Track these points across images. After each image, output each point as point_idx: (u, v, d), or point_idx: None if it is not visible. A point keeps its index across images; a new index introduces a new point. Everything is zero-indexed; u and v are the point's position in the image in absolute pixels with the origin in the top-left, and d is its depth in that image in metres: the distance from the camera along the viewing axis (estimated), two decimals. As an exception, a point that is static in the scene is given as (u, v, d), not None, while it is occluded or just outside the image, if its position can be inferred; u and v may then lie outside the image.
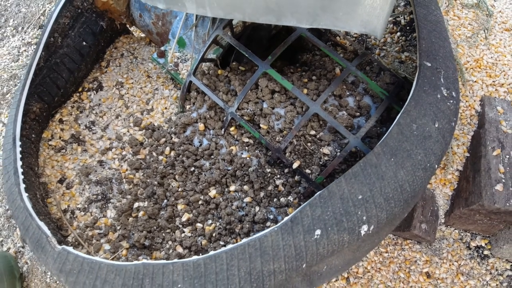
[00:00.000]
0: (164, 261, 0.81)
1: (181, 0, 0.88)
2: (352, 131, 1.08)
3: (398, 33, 1.42)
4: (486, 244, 1.43)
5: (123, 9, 1.46)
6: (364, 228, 0.83)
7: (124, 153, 1.29)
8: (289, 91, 1.06)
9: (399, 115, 0.88)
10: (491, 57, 1.53)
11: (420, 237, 1.36)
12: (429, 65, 0.97)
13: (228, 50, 1.28)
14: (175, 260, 0.81)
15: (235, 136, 1.16)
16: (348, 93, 1.12)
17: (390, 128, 0.86)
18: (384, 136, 0.85)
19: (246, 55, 1.07)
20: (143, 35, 1.65)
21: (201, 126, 1.19)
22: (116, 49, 1.59)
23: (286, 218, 0.80)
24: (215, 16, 0.88)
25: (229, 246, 0.80)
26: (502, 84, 1.45)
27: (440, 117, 0.92)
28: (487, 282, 1.40)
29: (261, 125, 1.10)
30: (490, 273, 1.41)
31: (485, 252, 1.43)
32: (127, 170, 1.25)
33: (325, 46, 1.07)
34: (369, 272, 1.42)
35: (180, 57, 1.34)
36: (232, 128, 1.16)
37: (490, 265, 1.41)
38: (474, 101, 1.43)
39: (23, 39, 2.48)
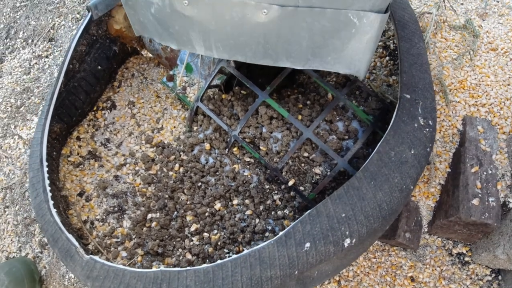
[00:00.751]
0: (179, 268, 0.95)
1: (191, 43, 1.02)
2: (341, 152, 1.21)
3: (387, 58, 1.55)
4: (467, 251, 1.56)
5: (135, 35, 1.59)
6: (347, 241, 0.96)
7: (137, 168, 1.43)
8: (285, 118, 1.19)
9: (379, 144, 1.01)
10: (475, 78, 1.65)
11: (405, 245, 1.49)
12: (409, 97, 1.11)
13: (231, 75, 1.41)
14: (188, 268, 0.95)
15: (238, 156, 1.30)
16: (338, 118, 1.26)
17: (371, 156, 1.00)
18: (365, 163, 0.99)
19: (248, 86, 1.20)
20: (152, 55, 1.79)
21: (207, 146, 1.33)
22: (127, 70, 1.73)
23: (280, 233, 0.94)
24: (221, 58, 1.01)
25: (233, 256, 0.94)
26: (484, 104, 1.58)
27: (416, 144, 1.05)
28: (467, 286, 1.53)
29: (260, 147, 1.24)
30: (471, 278, 1.54)
31: (466, 259, 1.56)
32: (140, 184, 1.39)
33: (317, 77, 1.20)
34: (358, 275, 1.56)
35: (187, 81, 1.47)
36: (235, 149, 1.30)
37: (470, 270, 1.55)
38: (457, 120, 1.56)
39: (33, 52, 2.60)
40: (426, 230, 1.57)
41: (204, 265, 0.95)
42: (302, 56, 0.96)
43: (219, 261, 0.96)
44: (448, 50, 1.76)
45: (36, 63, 2.50)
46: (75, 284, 1.63)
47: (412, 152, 1.04)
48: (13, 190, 1.89)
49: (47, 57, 2.51)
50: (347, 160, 1.12)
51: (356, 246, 1.11)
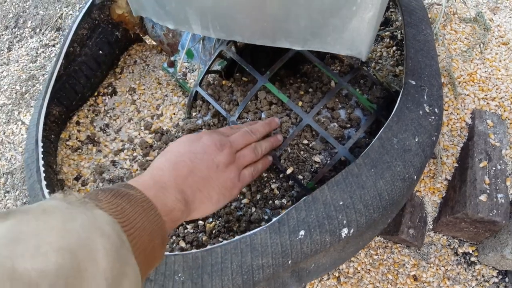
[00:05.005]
0: (167, 252, 0.92)
1: (188, 22, 0.98)
2: (342, 141, 1.17)
3: (394, 48, 1.50)
4: (473, 251, 1.50)
5: (137, 21, 1.57)
6: (345, 231, 0.92)
7: (135, 154, 1.40)
8: (285, 103, 1.15)
9: (381, 130, 0.97)
10: (485, 71, 1.59)
11: (408, 242, 1.44)
12: (414, 83, 1.06)
13: (232, 62, 1.38)
14: (176, 252, 0.92)
15: (236, 143, 1.26)
16: (340, 106, 1.22)
17: (372, 142, 0.95)
18: (366, 149, 0.95)
19: (248, 70, 1.17)
20: (155, 43, 1.77)
21: (205, 132, 1.30)
22: (130, 56, 1.71)
23: (274, 219, 0.90)
24: (218, 37, 0.98)
25: (224, 242, 0.90)
26: (494, 98, 1.52)
27: (421, 132, 1.00)
28: (472, 287, 1.47)
29: (259, 134, 1.20)
30: (476, 279, 1.48)
31: (472, 259, 1.50)
32: (137, 170, 1.37)
33: (319, 62, 1.16)
34: (359, 272, 1.51)
35: (188, 67, 1.45)
36: (233, 135, 1.26)
37: (476, 271, 1.49)
38: (465, 114, 1.50)
39: (41, 41, 2.62)
40: (431, 227, 1.51)
41: (193, 250, 0.92)
42: (301, 36, 0.92)
43: (208, 247, 0.92)
44: (458, 43, 1.70)
45: (42, 51, 2.51)
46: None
47: (416, 140, 0.99)
48: (14, 176, 1.89)
49: (53, 46, 2.52)
50: (348, 148, 1.08)
51: (355, 238, 1.06)
